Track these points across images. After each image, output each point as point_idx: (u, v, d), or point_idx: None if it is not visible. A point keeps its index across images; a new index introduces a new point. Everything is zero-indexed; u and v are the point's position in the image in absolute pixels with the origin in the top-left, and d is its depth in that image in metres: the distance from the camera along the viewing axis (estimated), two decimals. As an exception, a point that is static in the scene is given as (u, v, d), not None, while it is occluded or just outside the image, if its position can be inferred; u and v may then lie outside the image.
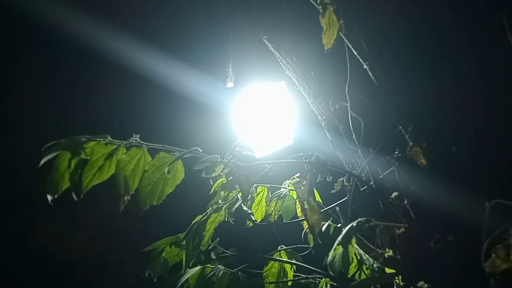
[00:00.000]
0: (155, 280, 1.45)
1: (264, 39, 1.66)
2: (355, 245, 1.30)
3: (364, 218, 0.83)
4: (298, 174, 1.58)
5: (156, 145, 0.91)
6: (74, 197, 0.85)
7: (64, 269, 3.01)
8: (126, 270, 3.08)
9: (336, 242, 0.83)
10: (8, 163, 2.85)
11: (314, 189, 1.56)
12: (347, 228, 0.81)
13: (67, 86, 2.97)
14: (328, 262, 1.00)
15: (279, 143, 1.82)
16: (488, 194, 0.83)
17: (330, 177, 1.01)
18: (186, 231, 1.15)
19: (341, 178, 1.01)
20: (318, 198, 1.59)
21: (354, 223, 0.82)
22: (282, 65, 1.67)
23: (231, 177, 0.87)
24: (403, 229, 0.89)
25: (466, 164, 0.90)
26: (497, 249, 0.71)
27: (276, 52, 1.64)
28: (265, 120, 1.87)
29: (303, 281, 1.53)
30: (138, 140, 0.90)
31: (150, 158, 0.91)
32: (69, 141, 0.85)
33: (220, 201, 1.36)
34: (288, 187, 1.61)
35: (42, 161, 0.83)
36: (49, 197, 0.83)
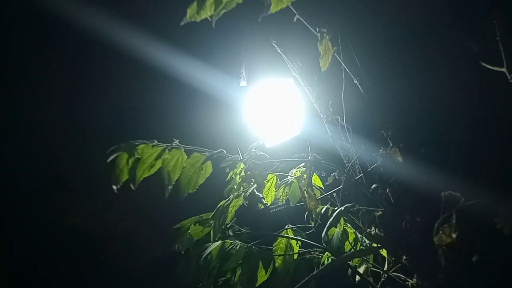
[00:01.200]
0: (182, 252, 1.73)
1: (273, 44, 1.88)
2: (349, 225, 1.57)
3: (350, 204, 1.09)
4: (303, 164, 1.82)
5: (191, 147, 1.18)
6: (132, 186, 1.13)
7: (97, 244, 3.36)
8: (152, 245, 3.41)
9: (328, 222, 1.09)
10: (46, 152, 3.15)
11: (318, 177, 1.81)
12: (336, 211, 1.07)
13: (94, 80, 3.24)
14: (323, 238, 1.26)
15: (287, 134, 2.04)
16: (448, 186, 1.08)
17: (324, 173, 1.27)
18: (214, 212, 1.43)
19: (333, 173, 1.26)
20: (320, 184, 1.83)
21: (342, 208, 1.08)
22: (289, 66, 1.89)
23: (248, 172, 1.13)
24: (380, 212, 1.15)
25: (431, 163, 1.14)
26: (444, 228, 0.96)
27: (284, 55, 1.86)
28: (274, 113, 2.08)
29: (308, 256, 1.78)
30: (177, 143, 1.17)
31: (186, 157, 1.17)
32: (126, 145, 1.12)
33: (236, 187, 1.62)
34: (295, 175, 1.85)
35: (109, 160, 1.10)
36: (114, 187, 1.11)
